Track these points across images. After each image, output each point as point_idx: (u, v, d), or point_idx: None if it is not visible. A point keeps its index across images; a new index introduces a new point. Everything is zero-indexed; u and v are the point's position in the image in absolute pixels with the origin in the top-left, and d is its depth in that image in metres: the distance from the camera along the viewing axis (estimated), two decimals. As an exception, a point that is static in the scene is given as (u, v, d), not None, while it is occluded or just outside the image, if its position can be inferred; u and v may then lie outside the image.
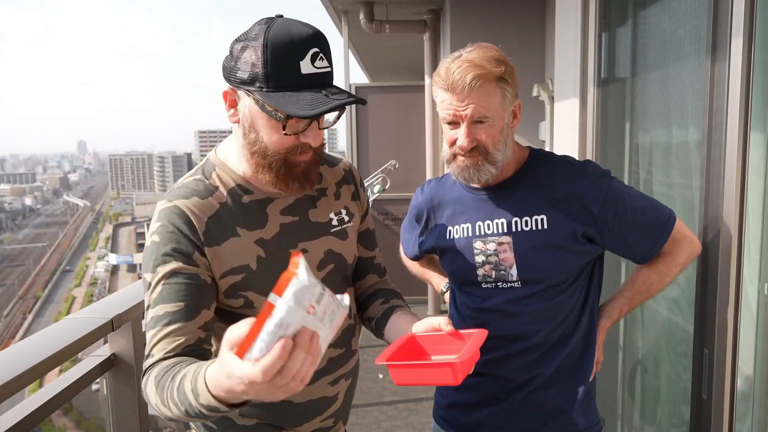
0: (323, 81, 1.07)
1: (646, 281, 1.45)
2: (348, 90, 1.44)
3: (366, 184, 1.37)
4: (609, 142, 2.56)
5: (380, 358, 1.10)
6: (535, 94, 3.99)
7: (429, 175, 5.87)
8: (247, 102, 1.09)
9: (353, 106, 1.09)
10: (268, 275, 1.17)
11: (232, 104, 1.12)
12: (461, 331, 1.18)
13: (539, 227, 1.37)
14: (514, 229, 1.38)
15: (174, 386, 0.97)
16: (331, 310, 0.76)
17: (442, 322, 1.17)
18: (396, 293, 1.38)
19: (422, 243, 1.57)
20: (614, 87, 2.52)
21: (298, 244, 1.21)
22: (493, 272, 1.41)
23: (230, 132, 1.22)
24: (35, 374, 1.22)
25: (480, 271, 1.42)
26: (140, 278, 1.17)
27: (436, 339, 1.18)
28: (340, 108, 1.05)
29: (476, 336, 1.15)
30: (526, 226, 1.38)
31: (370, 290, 1.40)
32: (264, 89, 1.04)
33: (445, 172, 1.50)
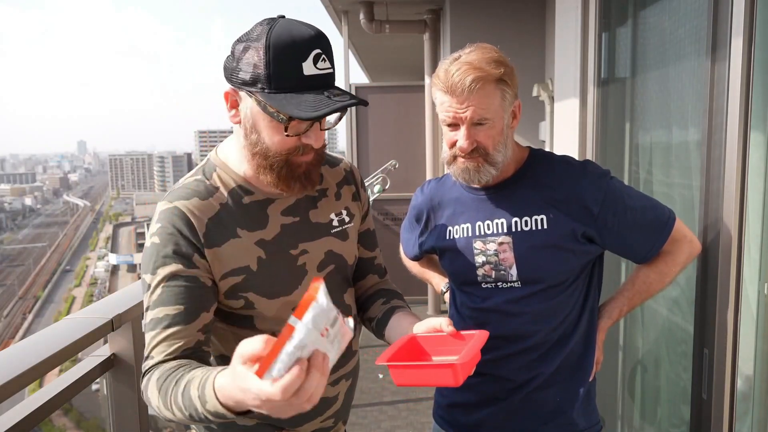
0: (325, 82, 1.06)
1: (645, 281, 1.45)
2: (348, 90, 1.44)
3: (366, 184, 1.37)
4: (609, 142, 2.56)
5: (381, 358, 1.09)
6: (535, 94, 3.99)
7: (429, 175, 5.87)
8: (248, 103, 1.09)
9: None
10: (268, 276, 1.17)
11: (234, 105, 1.12)
12: (462, 332, 1.18)
13: (539, 227, 1.37)
14: (514, 229, 1.38)
15: (178, 391, 0.98)
16: (341, 333, 0.80)
17: (443, 323, 1.17)
18: (397, 294, 1.38)
19: (422, 243, 1.57)
20: (614, 87, 2.52)
21: (298, 244, 1.21)
22: (493, 272, 1.41)
23: (230, 132, 1.21)
24: (35, 374, 1.22)
25: (480, 271, 1.42)
26: (140, 278, 1.17)
27: (437, 340, 1.18)
28: (343, 110, 1.05)
29: (477, 337, 1.15)
30: (526, 226, 1.38)
31: (370, 291, 1.40)
32: (266, 90, 1.04)
33: (445, 173, 1.50)
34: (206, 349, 1.13)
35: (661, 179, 2.12)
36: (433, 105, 1.38)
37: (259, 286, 1.16)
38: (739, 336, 1.54)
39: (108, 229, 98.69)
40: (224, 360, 1.22)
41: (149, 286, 1.10)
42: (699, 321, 1.68)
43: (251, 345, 0.80)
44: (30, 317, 57.77)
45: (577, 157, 1.53)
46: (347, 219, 1.30)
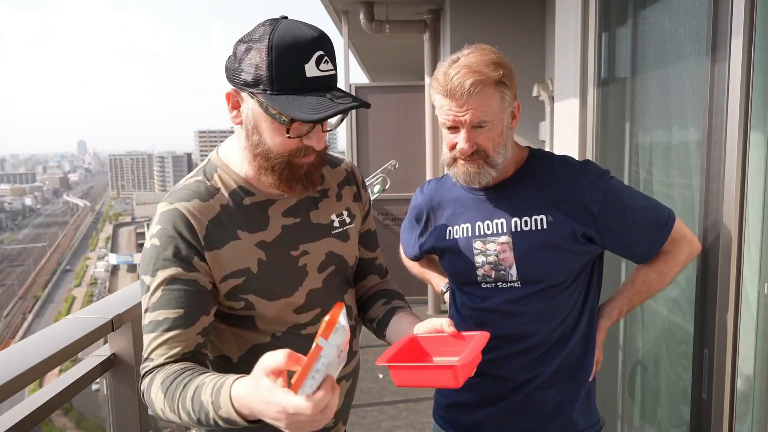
0: (327, 84, 1.06)
1: (645, 281, 1.45)
2: (348, 90, 1.44)
3: (366, 184, 1.36)
4: (609, 142, 2.56)
5: (381, 359, 1.09)
6: (535, 94, 3.99)
7: (429, 175, 5.87)
8: (250, 104, 1.08)
9: (354, 106, 1.09)
10: (268, 278, 1.17)
11: (235, 105, 1.11)
12: (463, 333, 1.17)
13: (539, 227, 1.37)
14: (513, 229, 1.38)
15: (187, 395, 0.99)
16: (345, 352, 0.86)
17: (444, 324, 1.17)
18: (397, 294, 1.38)
19: (422, 243, 1.57)
20: (614, 87, 2.52)
21: (299, 246, 1.21)
22: (493, 272, 1.41)
23: (230, 132, 1.21)
24: (35, 374, 1.22)
25: (480, 271, 1.42)
26: (139, 278, 1.17)
27: (437, 340, 1.17)
28: (345, 112, 1.05)
29: (478, 338, 1.15)
30: (526, 226, 1.38)
31: (371, 291, 1.40)
32: (268, 92, 1.04)
33: (445, 173, 1.50)
34: (204, 352, 1.14)
35: (661, 179, 2.12)
36: (433, 105, 1.38)
37: (259, 287, 1.16)
38: (739, 336, 1.54)
39: (108, 229, 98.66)
40: (224, 360, 1.22)
41: (148, 287, 1.10)
42: (699, 321, 1.68)
43: (274, 359, 0.84)
44: (30, 317, 57.76)
45: (577, 157, 1.53)
46: (348, 220, 1.29)
